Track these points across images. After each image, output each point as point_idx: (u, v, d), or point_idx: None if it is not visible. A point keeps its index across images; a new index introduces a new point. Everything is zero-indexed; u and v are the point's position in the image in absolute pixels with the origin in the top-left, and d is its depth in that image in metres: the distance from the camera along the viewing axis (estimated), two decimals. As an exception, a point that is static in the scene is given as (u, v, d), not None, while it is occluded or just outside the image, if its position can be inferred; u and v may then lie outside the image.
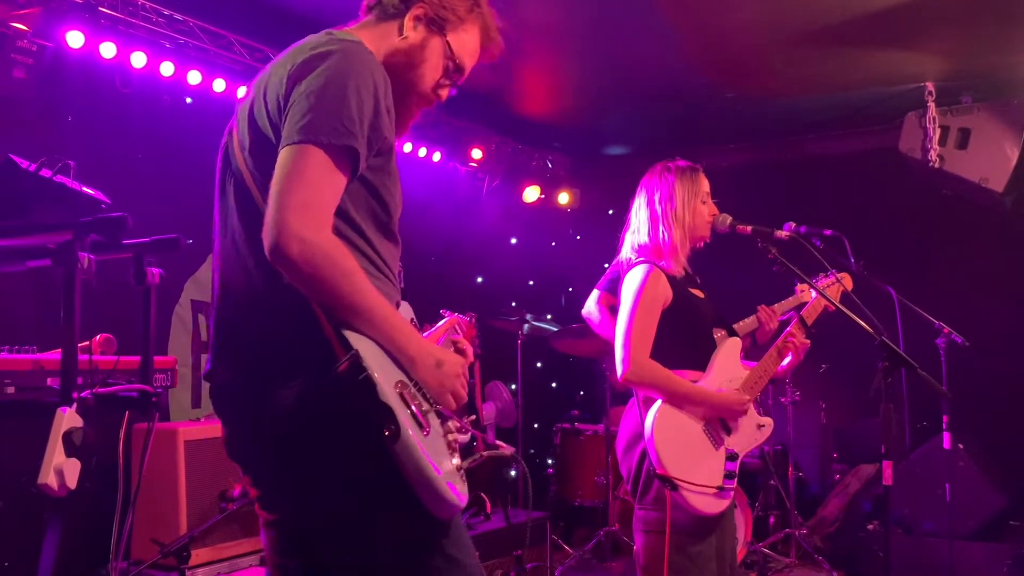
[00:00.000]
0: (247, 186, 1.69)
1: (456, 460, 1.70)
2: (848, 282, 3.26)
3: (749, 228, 3.04)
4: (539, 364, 7.12)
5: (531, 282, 7.37)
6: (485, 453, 1.83)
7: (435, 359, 1.67)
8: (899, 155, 5.51)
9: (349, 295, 1.56)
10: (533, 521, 4.55)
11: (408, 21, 1.82)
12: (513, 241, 7.23)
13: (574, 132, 6.75)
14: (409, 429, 1.54)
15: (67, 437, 1.79)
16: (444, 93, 1.91)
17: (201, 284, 4.49)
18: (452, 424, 1.73)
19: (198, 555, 3.35)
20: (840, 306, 2.95)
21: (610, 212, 7.56)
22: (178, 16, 4.16)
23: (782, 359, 3.09)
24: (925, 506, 5.00)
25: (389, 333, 1.61)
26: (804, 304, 3.25)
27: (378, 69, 1.69)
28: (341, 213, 1.64)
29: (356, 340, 1.57)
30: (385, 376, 1.57)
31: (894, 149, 5.55)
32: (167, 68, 4.11)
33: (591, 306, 3.33)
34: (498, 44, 1.94)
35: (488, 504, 4.35)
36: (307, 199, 1.54)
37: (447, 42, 1.84)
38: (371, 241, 1.72)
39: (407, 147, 5.77)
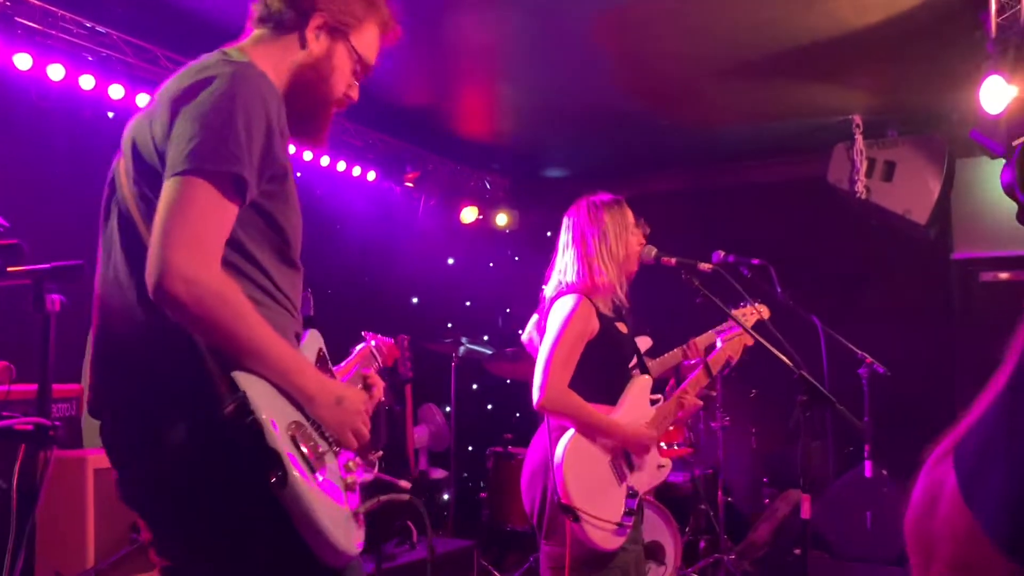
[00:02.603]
0: (132, 218, 1.61)
1: (354, 503, 1.65)
2: (765, 312, 3.30)
3: (674, 260, 3.05)
4: (475, 386, 7.07)
5: (468, 303, 7.32)
6: (382, 498, 1.78)
7: (335, 396, 1.62)
8: (827, 185, 5.63)
9: (241, 335, 1.50)
10: (459, 550, 4.49)
11: (309, 33, 1.77)
12: (450, 262, 7.18)
13: (513, 154, 6.76)
14: (299, 474, 1.49)
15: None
16: (355, 93, 1.87)
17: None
18: (352, 464, 1.68)
19: (106, 589, 3.22)
20: (759, 338, 2.97)
21: (548, 234, 7.57)
22: (100, 28, 4.04)
23: (680, 410, 3.09)
24: (849, 532, 5.08)
25: (284, 371, 1.55)
26: (729, 337, 3.28)
27: (269, 90, 1.62)
28: (234, 243, 1.57)
29: (246, 381, 1.50)
30: (278, 417, 1.51)
31: (823, 179, 5.67)
32: (87, 81, 3.98)
33: (531, 332, 3.30)
34: (396, 30, 1.91)
35: (414, 533, 4.28)
36: (193, 235, 1.47)
37: (352, 46, 1.81)
38: (267, 271, 1.65)
39: (341, 165, 5.70)
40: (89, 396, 1.68)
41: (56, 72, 3.83)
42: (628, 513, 2.84)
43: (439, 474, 5.95)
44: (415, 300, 6.80)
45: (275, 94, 1.63)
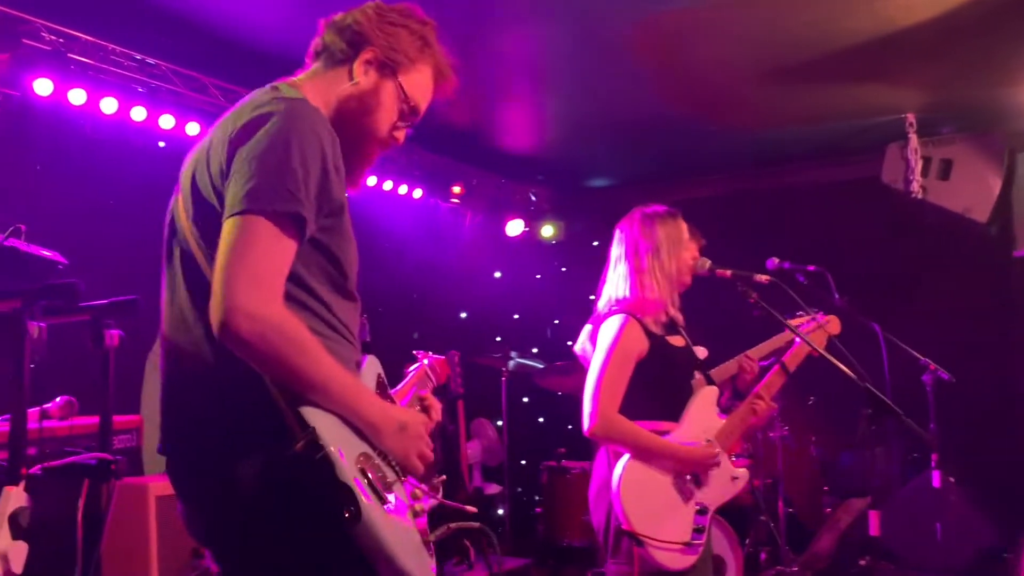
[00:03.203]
0: (193, 255, 1.62)
1: (423, 530, 1.64)
2: (835, 326, 3.20)
3: (729, 272, 2.99)
4: (525, 399, 7.04)
5: (516, 316, 7.31)
6: (453, 525, 1.76)
7: (398, 423, 1.61)
8: (881, 186, 5.49)
9: (305, 370, 1.50)
10: (516, 569, 4.46)
11: (358, 66, 1.76)
12: (497, 275, 7.17)
13: (557, 165, 6.74)
14: (371, 508, 1.48)
15: (13, 519, 1.70)
16: (401, 135, 1.86)
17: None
18: (419, 491, 1.67)
19: (170, 615, 3.25)
20: (824, 353, 2.89)
21: (595, 244, 7.54)
22: (150, 60, 4.12)
23: (753, 416, 3.01)
24: (917, 542, 4.94)
25: (349, 403, 1.55)
26: (789, 346, 3.19)
27: (323, 126, 1.62)
28: (294, 278, 1.58)
29: (313, 416, 1.50)
30: (347, 450, 1.51)
31: (876, 179, 5.53)
32: (139, 113, 4.06)
33: (584, 342, 3.25)
34: (451, 81, 1.88)
35: (472, 552, 4.25)
36: (254, 273, 1.48)
37: (400, 84, 1.79)
38: (327, 303, 1.65)
39: (387, 185, 5.73)
40: (160, 436, 1.68)
41: (109, 105, 3.91)
42: (698, 531, 2.77)
43: (493, 489, 5.92)
44: (463, 315, 6.81)
45: (329, 129, 1.63)
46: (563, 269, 7.61)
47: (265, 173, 1.51)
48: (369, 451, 1.57)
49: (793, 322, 3.14)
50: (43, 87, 3.67)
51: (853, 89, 5.00)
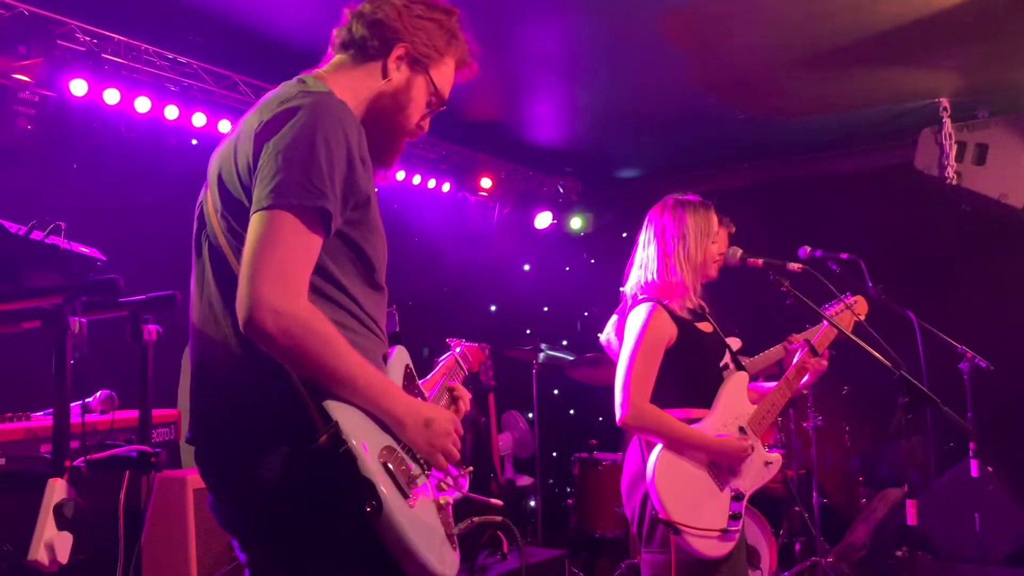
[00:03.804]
0: (222, 250, 1.64)
1: (448, 524, 1.65)
2: (862, 307, 3.17)
3: (761, 261, 2.97)
4: (556, 392, 7.04)
5: (545, 308, 7.30)
6: (475, 519, 1.77)
7: (424, 418, 1.62)
8: (915, 172, 5.41)
9: (329, 364, 1.51)
10: (550, 560, 4.47)
11: (391, 62, 1.78)
12: (526, 268, 7.18)
13: (585, 156, 6.71)
14: (393, 502, 1.49)
15: (58, 510, 1.74)
16: (426, 125, 1.88)
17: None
18: (444, 484, 1.68)
19: (209, 605, 3.30)
20: (855, 338, 2.87)
21: (624, 235, 7.51)
22: (182, 59, 4.16)
23: (792, 390, 3.00)
24: (955, 533, 4.87)
25: (374, 398, 1.57)
26: (836, 312, 3.17)
27: (349, 119, 1.63)
28: (320, 271, 1.59)
29: (337, 410, 1.52)
30: (370, 444, 1.52)
31: (909, 165, 5.45)
32: (171, 112, 4.11)
33: (610, 333, 3.25)
34: (472, 68, 1.91)
35: (504, 543, 4.27)
36: (280, 268, 1.49)
37: (431, 79, 1.81)
38: (354, 296, 1.67)
39: (416, 179, 5.75)
40: (189, 425, 1.71)
41: (143, 104, 3.96)
42: (734, 517, 2.77)
43: (525, 481, 5.94)
44: (493, 308, 6.82)
45: (355, 122, 1.64)
46: (592, 261, 7.60)
47: (291, 168, 1.52)
48: (393, 444, 1.58)
49: (828, 312, 3.12)
50: (78, 87, 3.73)
51: (886, 74, 4.93)
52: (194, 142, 4.43)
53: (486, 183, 6.23)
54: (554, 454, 6.75)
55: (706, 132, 6.07)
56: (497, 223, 6.65)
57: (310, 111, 1.58)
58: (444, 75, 1.84)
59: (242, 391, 1.60)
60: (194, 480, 3.38)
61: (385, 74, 1.77)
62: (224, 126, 4.36)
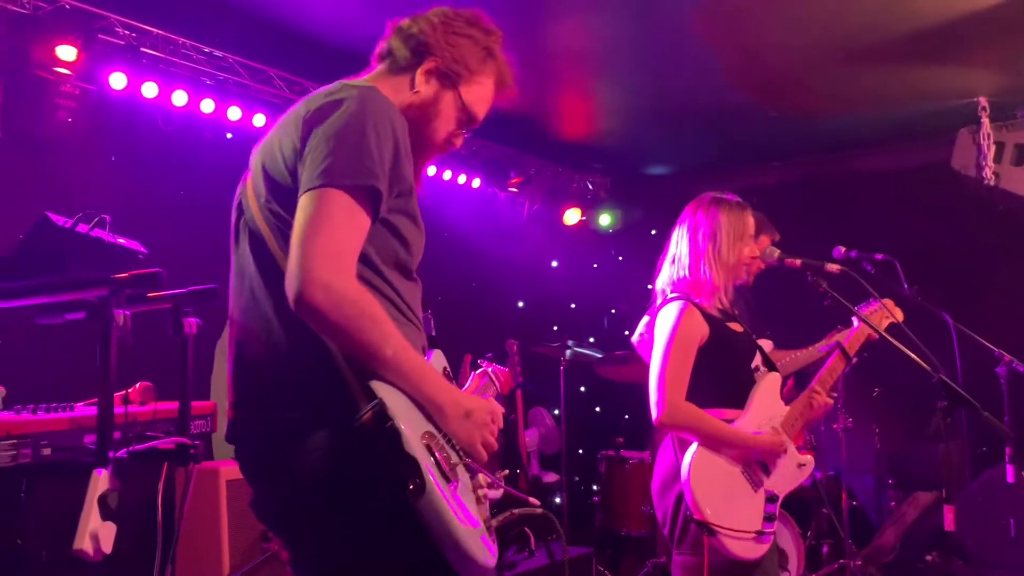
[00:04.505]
0: (263, 236, 1.65)
1: (485, 516, 1.65)
2: (899, 315, 3.13)
3: (799, 261, 2.94)
4: (582, 388, 7.03)
5: (573, 305, 7.29)
6: (516, 511, 1.77)
7: (464, 409, 1.62)
8: (951, 171, 5.33)
9: (376, 344, 1.52)
10: (577, 557, 4.46)
11: (420, 75, 1.79)
12: (554, 264, 7.16)
13: (614, 153, 6.69)
14: (435, 482, 1.49)
15: (102, 500, 1.76)
16: (458, 142, 1.89)
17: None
18: (482, 478, 1.68)
19: (240, 596, 3.33)
20: (892, 340, 2.83)
21: (652, 232, 7.47)
22: (218, 53, 4.19)
23: (825, 390, 2.97)
24: (988, 538, 4.80)
25: (417, 382, 1.57)
26: (868, 314, 3.14)
27: (395, 113, 1.66)
28: (362, 257, 1.60)
29: (381, 389, 1.53)
30: (412, 426, 1.52)
31: (946, 165, 5.37)
32: (208, 105, 4.14)
33: (642, 332, 3.24)
34: (512, 89, 1.90)
35: (532, 540, 4.27)
36: (331, 245, 1.51)
37: (459, 95, 1.81)
38: (393, 284, 1.68)
39: (447, 174, 5.76)
40: (229, 416, 1.71)
41: (180, 98, 3.99)
42: (768, 519, 2.74)
43: (551, 478, 5.93)
44: (521, 304, 6.81)
45: (399, 115, 1.67)
46: (620, 258, 7.57)
47: (342, 149, 1.55)
48: (434, 431, 1.58)
49: (864, 312, 3.08)
50: (118, 81, 3.77)
51: (923, 72, 4.87)
52: (229, 136, 4.46)
53: (516, 179, 6.22)
54: (580, 451, 6.74)
55: (737, 129, 6.03)
56: (527, 219, 6.65)
57: (358, 101, 1.61)
58: (476, 93, 1.83)
59: (284, 373, 1.61)
60: (227, 471, 3.41)
61: (413, 86, 1.78)
62: (259, 120, 4.39)
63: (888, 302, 3.14)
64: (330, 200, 1.52)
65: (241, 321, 1.69)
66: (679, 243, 2.95)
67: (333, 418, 1.54)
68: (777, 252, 2.96)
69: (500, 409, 1.90)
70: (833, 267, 2.93)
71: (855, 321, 3.29)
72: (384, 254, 1.66)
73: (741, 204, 2.94)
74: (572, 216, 6.87)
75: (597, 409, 7.26)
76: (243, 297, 1.69)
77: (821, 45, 4.49)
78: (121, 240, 2.12)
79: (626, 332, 7.95)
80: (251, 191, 1.71)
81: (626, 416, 7.30)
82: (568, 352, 5.61)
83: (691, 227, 2.93)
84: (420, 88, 1.78)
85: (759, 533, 2.71)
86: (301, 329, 1.53)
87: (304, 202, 1.54)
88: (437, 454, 1.54)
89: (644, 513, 5.43)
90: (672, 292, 2.91)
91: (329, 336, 1.52)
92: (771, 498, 2.79)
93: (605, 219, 7.10)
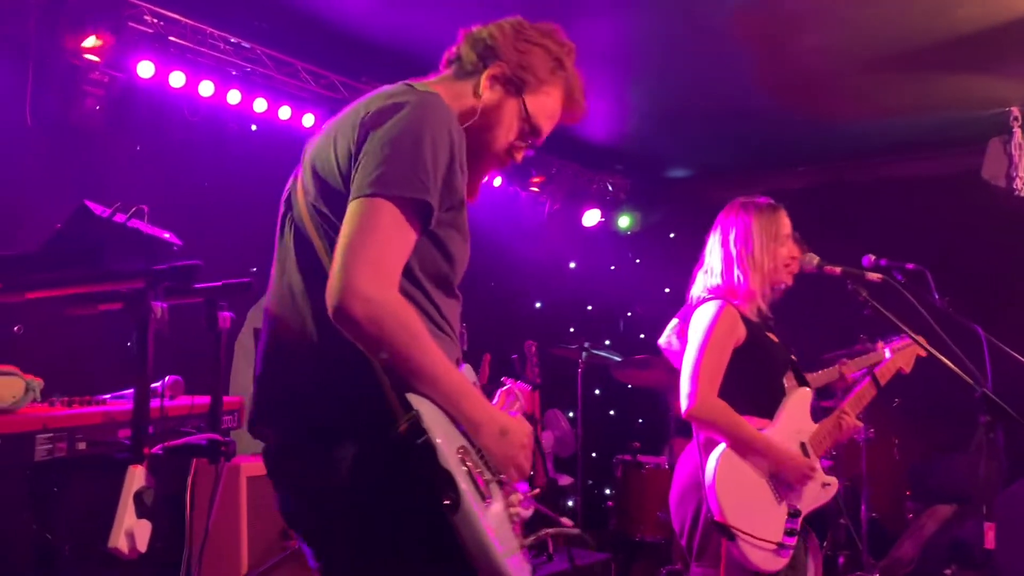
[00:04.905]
0: (308, 238, 1.61)
1: (518, 535, 1.60)
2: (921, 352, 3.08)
3: (839, 269, 2.89)
4: (597, 392, 6.98)
5: (589, 307, 7.24)
6: (550, 531, 1.72)
7: (500, 427, 1.58)
8: (981, 182, 5.27)
9: (415, 358, 1.49)
10: (594, 563, 4.41)
11: (484, 80, 1.74)
12: (572, 265, 7.11)
13: (635, 154, 6.63)
14: (470, 499, 1.45)
15: (138, 497, 1.72)
16: (519, 155, 1.82)
17: (265, 312, 4.43)
18: (515, 497, 1.63)
19: (259, 594, 3.29)
20: (936, 353, 2.79)
21: (671, 236, 7.42)
22: (245, 44, 4.15)
23: (837, 431, 2.92)
24: (1016, 553, 4.73)
25: (455, 398, 1.53)
26: (900, 347, 3.11)
27: (454, 124, 1.62)
28: (404, 270, 1.56)
29: (417, 402, 1.49)
30: (447, 440, 1.48)
31: (975, 175, 5.31)
32: (234, 96, 4.10)
33: (671, 336, 3.19)
34: (581, 107, 1.84)
35: (550, 544, 4.22)
36: (376, 256, 1.47)
37: (523, 104, 1.75)
38: (432, 298, 1.64)
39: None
40: (252, 411, 1.67)
41: (206, 88, 3.95)
42: (790, 533, 2.69)
43: (566, 480, 5.89)
44: (538, 305, 6.77)
45: (459, 128, 1.62)
46: (637, 261, 7.51)
47: (397, 159, 1.51)
48: (468, 446, 1.54)
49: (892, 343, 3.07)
50: (146, 70, 3.73)
51: (957, 80, 4.82)
52: (254, 128, 4.42)
53: (537, 178, 6.18)
54: (593, 454, 6.69)
55: (761, 132, 5.97)
56: (546, 218, 6.60)
57: (418, 107, 1.57)
58: (542, 105, 1.77)
59: (318, 378, 1.57)
60: (248, 467, 3.37)
61: (477, 91, 1.74)
62: (284, 113, 4.35)
63: (921, 339, 3.09)
64: (379, 210, 1.49)
65: (277, 317, 1.65)
66: (712, 251, 2.91)
67: (367, 426, 1.51)
68: (817, 259, 2.91)
69: (531, 429, 1.86)
70: (874, 276, 2.88)
71: (878, 346, 3.26)
72: (426, 267, 1.62)
73: (773, 205, 2.91)
74: (591, 217, 6.82)
75: (611, 413, 7.21)
76: (281, 295, 1.65)
77: (862, 50, 4.44)
78: (157, 231, 2.07)
79: (641, 336, 7.93)
80: (300, 189, 1.67)
81: (639, 420, 7.25)
82: (583, 354, 5.56)
83: (723, 233, 2.90)
84: (484, 93, 1.74)
85: (779, 545, 2.66)
86: (338, 335, 1.50)
87: (353, 209, 1.51)
88: (472, 470, 1.50)
89: (659, 519, 5.38)
90: (708, 295, 2.87)
91: (366, 347, 1.49)
92: (793, 513, 2.73)
93: (624, 221, 7.05)
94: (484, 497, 1.50)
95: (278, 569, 3.36)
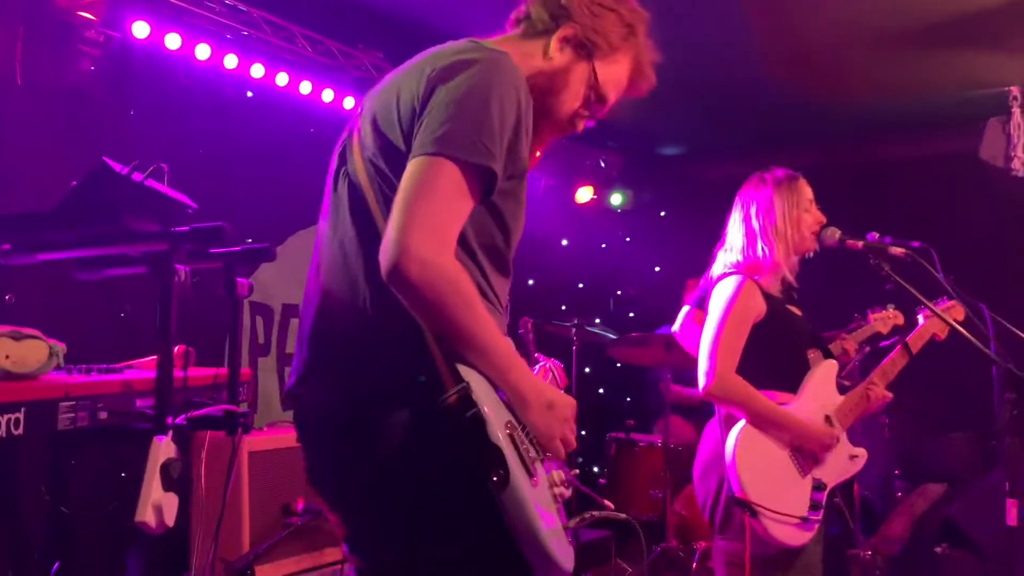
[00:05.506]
0: (363, 194, 1.54)
1: (562, 516, 1.54)
2: (960, 312, 3.06)
3: (860, 243, 2.86)
4: (587, 370, 6.95)
5: (580, 284, 7.21)
6: (596, 513, 1.66)
7: (547, 400, 1.52)
8: (979, 162, 5.28)
9: (467, 326, 1.43)
10: (593, 540, 4.39)
11: (555, 42, 1.67)
12: (564, 243, 7.06)
13: (628, 131, 6.55)
14: (519, 476, 1.40)
15: (164, 469, 1.63)
16: (581, 124, 1.76)
17: (262, 285, 4.32)
18: (557, 476, 1.57)
19: (261, 572, 3.21)
20: (961, 329, 2.77)
21: (662, 214, 7.38)
22: (242, 6, 4.02)
23: (866, 402, 2.90)
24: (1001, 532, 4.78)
25: (504, 370, 1.47)
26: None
27: (523, 86, 1.54)
28: (460, 238, 1.49)
29: (467, 373, 1.43)
30: (496, 415, 1.43)
31: (973, 155, 5.31)
32: (231, 61, 3.97)
33: (683, 323, 3.16)
34: (649, 80, 1.78)
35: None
36: (434, 218, 1.41)
37: (593, 69, 1.68)
38: (485, 272, 1.57)
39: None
40: (297, 369, 1.59)
41: (203, 51, 3.83)
42: (815, 507, 2.67)
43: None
44: (531, 282, 6.71)
45: (527, 91, 1.55)
46: (627, 239, 7.48)
47: (462, 120, 1.44)
48: (514, 421, 1.48)
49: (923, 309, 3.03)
50: (140, 30, 3.60)
51: (958, 59, 4.81)
52: (249, 94, 4.29)
53: (535, 153, 6.09)
54: (583, 432, 6.66)
55: (757, 110, 5.92)
56: (541, 194, 6.53)
57: (488, 67, 1.50)
58: (611, 72, 1.71)
59: (367, 341, 1.50)
60: (250, 442, 3.28)
61: (546, 52, 1.67)
62: (282, 79, 4.22)
63: (946, 312, 3.06)
64: (441, 171, 1.42)
65: (326, 277, 1.58)
66: (733, 228, 2.88)
67: (415, 395, 1.44)
68: (839, 233, 2.88)
69: (575, 403, 1.79)
70: (898, 251, 2.85)
71: (870, 318, 3.26)
72: (482, 238, 1.56)
73: (792, 175, 2.89)
74: (584, 194, 6.77)
75: (601, 391, 7.19)
76: (332, 253, 1.58)
77: (863, 26, 4.41)
78: (175, 193, 1.97)
79: (631, 315, 7.91)
80: (356, 143, 1.59)
81: (628, 398, 7.24)
82: (577, 331, 5.51)
83: (744, 208, 2.87)
84: (554, 55, 1.66)
85: (803, 519, 2.63)
86: (390, 298, 1.43)
87: (413, 167, 1.44)
88: (520, 446, 1.45)
89: (652, 497, 5.37)
90: (729, 270, 2.83)
91: (419, 312, 1.43)
92: (818, 486, 2.72)
93: (617, 198, 7.01)
94: (531, 475, 1.45)
95: (280, 546, 3.29)
